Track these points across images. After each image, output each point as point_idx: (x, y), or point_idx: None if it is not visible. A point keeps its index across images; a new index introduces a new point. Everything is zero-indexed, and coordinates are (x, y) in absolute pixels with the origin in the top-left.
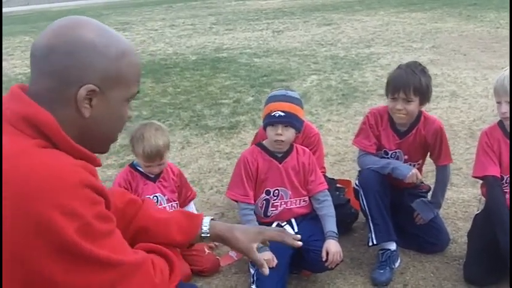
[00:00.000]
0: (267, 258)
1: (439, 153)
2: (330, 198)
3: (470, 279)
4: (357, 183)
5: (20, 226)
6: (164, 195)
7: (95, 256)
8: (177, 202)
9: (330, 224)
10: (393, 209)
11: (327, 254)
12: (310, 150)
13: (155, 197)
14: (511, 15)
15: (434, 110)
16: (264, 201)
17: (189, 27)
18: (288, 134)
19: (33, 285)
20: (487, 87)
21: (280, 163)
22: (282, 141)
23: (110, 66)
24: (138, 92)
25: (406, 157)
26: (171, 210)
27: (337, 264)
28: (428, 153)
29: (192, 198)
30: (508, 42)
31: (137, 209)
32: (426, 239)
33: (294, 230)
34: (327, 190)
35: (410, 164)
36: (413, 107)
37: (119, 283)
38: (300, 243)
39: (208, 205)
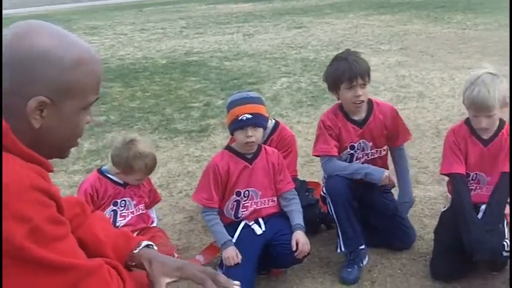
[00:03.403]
0: (230, 255)
1: (398, 133)
2: (297, 196)
3: (437, 275)
4: (324, 191)
5: None
6: (133, 200)
7: (46, 260)
8: (143, 205)
9: (297, 218)
10: (362, 206)
11: (297, 244)
12: (284, 151)
13: (123, 201)
14: (510, 17)
15: (402, 110)
16: (235, 203)
17: (159, 31)
18: (257, 134)
19: None
20: (454, 88)
21: (250, 164)
22: (253, 142)
23: (62, 77)
24: (97, 99)
25: (371, 144)
26: (116, 230)
27: (305, 256)
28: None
29: (157, 202)
30: (474, 43)
31: (81, 222)
32: (394, 235)
33: (261, 228)
34: (294, 189)
35: (377, 151)
36: (368, 89)
37: (72, 287)
38: None
39: (177, 209)
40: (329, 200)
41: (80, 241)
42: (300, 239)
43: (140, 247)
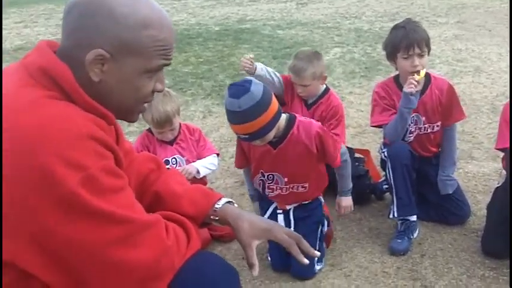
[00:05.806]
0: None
1: (451, 111)
2: (346, 162)
3: (488, 251)
4: (385, 155)
5: (26, 177)
6: (183, 157)
7: (98, 209)
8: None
9: (343, 182)
10: (417, 179)
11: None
12: (335, 120)
13: (174, 159)
14: (511, 14)
15: (458, 84)
16: (260, 181)
17: None
18: (266, 138)
19: (39, 237)
20: None
21: (274, 148)
22: (266, 142)
23: (125, 34)
24: (165, 65)
25: (424, 119)
26: (192, 185)
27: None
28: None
29: (213, 152)
30: None
31: (157, 177)
32: (449, 209)
33: (285, 224)
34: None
35: (429, 126)
36: (426, 60)
37: (125, 240)
38: (307, 261)
39: (228, 173)
40: (389, 164)
41: (156, 194)
42: (341, 203)
43: (222, 202)
